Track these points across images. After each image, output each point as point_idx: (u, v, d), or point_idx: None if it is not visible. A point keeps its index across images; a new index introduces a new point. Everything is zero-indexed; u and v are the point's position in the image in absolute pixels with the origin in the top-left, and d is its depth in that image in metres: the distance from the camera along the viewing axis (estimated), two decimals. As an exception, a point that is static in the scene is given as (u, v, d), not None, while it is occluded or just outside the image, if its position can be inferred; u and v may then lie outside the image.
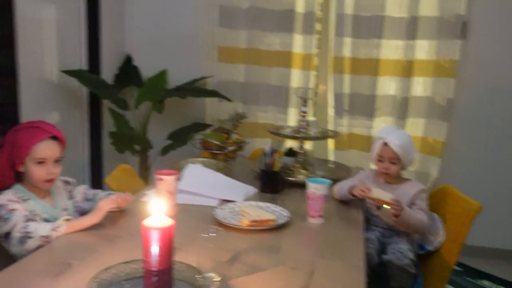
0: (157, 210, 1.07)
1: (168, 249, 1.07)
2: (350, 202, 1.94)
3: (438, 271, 1.88)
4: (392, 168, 1.91)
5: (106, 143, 3.16)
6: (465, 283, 2.93)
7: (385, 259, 1.82)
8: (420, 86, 3.12)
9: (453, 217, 1.92)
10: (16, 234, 1.43)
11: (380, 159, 1.94)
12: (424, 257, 1.96)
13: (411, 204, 1.89)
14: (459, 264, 3.01)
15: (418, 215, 1.84)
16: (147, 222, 1.06)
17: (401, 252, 1.81)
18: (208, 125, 3.17)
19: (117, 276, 1.17)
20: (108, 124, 3.22)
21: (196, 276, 1.15)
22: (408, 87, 3.09)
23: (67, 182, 1.74)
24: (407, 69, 3.06)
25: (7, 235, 1.45)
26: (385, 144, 1.90)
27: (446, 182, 2.21)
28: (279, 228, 1.63)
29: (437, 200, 2.05)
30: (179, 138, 3.10)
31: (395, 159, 1.90)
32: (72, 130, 3.10)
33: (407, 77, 3.07)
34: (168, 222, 1.07)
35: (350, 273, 1.32)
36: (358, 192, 1.79)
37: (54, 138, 1.59)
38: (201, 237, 1.23)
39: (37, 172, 1.55)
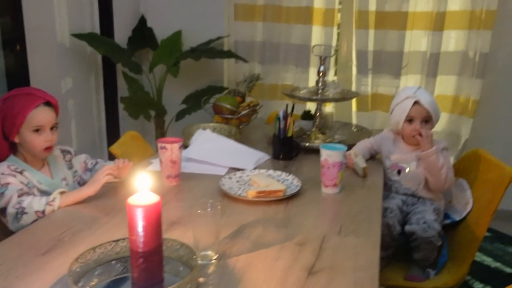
0: (143, 186, 0.97)
1: (154, 229, 0.98)
2: (368, 168, 1.80)
3: (466, 242, 1.73)
4: (425, 127, 1.77)
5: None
6: (494, 249, 2.77)
7: (408, 229, 1.68)
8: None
9: (484, 183, 1.75)
10: (11, 210, 1.37)
11: (409, 119, 1.79)
12: (451, 227, 1.81)
13: None
14: (488, 229, 2.83)
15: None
16: (131, 200, 0.97)
17: (426, 222, 1.66)
18: (225, 88, 3.04)
19: (106, 256, 1.09)
20: (123, 89, 3.12)
21: (192, 255, 1.05)
22: (439, 41, 2.86)
23: (66, 151, 1.65)
24: (438, 22, 2.82)
25: (3, 210, 1.38)
26: (416, 102, 1.75)
27: (478, 144, 2.04)
28: (289, 199, 1.51)
29: (467, 165, 1.88)
30: (195, 102, 2.99)
31: (428, 117, 1.76)
32: (87, 96, 3.03)
33: (439, 31, 2.84)
34: (154, 199, 0.97)
35: (364, 250, 1.19)
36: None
37: (48, 104, 1.51)
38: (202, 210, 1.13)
39: (35, 141, 1.47)
